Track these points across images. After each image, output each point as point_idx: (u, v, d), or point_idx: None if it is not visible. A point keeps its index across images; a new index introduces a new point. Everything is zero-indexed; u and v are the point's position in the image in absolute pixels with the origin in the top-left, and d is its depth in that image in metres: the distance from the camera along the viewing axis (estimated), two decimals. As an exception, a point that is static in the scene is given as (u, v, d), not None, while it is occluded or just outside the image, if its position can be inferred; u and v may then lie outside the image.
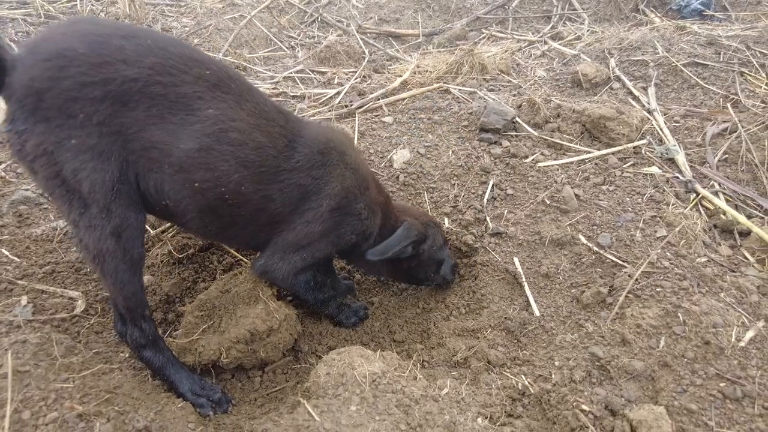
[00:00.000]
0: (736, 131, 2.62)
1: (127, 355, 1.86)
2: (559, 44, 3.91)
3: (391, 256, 2.00)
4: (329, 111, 3.07)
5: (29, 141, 1.47)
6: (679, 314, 1.76)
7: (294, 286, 1.97)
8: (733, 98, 2.90)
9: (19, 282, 1.98)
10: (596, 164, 2.56)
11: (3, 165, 2.55)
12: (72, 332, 1.86)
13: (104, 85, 1.45)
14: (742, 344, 1.66)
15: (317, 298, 2.08)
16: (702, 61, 3.21)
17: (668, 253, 2.04)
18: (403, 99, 3.11)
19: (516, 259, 2.21)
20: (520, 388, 1.71)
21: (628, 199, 2.35)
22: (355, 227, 1.95)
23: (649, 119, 2.83)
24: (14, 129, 1.46)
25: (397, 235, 2.03)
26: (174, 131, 1.54)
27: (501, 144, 2.70)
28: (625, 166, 2.55)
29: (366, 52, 3.91)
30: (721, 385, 1.57)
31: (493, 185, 2.50)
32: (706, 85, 3.04)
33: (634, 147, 2.65)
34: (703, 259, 2.03)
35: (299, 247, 1.88)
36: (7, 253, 2.06)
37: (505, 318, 2.04)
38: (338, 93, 3.25)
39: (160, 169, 1.58)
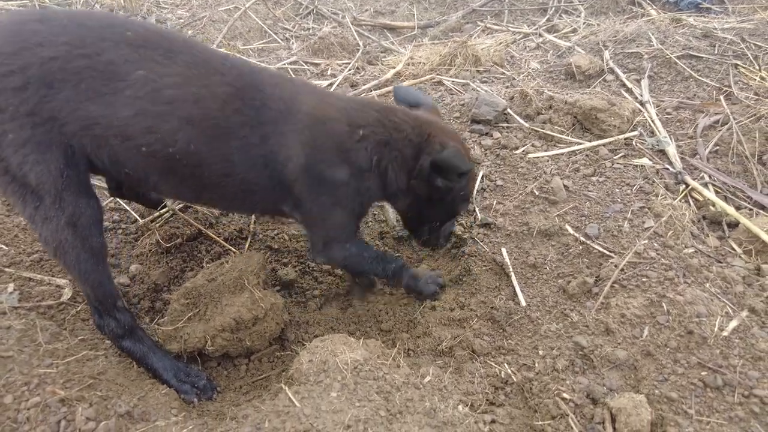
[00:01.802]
0: (727, 123, 2.62)
1: (111, 343, 1.86)
2: (554, 37, 3.89)
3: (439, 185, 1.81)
4: (321, 102, 3.07)
5: None
6: (664, 304, 1.76)
7: (347, 262, 1.92)
8: (727, 90, 2.89)
9: (6, 269, 1.98)
10: (587, 156, 2.56)
11: (-7, 154, 2.54)
12: (58, 319, 1.87)
13: (23, 71, 1.42)
14: (725, 334, 1.66)
15: (383, 269, 1.98)
16: (696, 54, 3.19)
17: (655, 244, 2.04)
18: (396, 90, 3.11)
19: (504, 250, 2.21)
20: (503, 376, 1.72)
21: (617, 190, 2.35)
22: (339, 179, 1.75)
23: (641, 111, 2.82)
24: None
25: (451, 156, 1.77)
26: (109, 102, 1.49)
27: (492, 135, 2.70)
28: (615, 157, 2.54)
29: (360, 44, 3.90)
30: (703, 373, 1.57)
31: (483, 176, 2.49)
32: (700, 78, 3.03)
33: (625, 138, 2.64)
34: (691, 250, 2.03)
35: (320, 225, 1.84)
36: (-6, 241, 2.07)
37: (492, 308, 2.04)
38: (331, 84, 3.25)
39: (108, 142, 1.54)
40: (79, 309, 1.94)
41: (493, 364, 1.78)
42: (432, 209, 1.99)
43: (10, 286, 1.88)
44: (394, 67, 3.31)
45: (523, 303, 2.02)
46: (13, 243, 2.10)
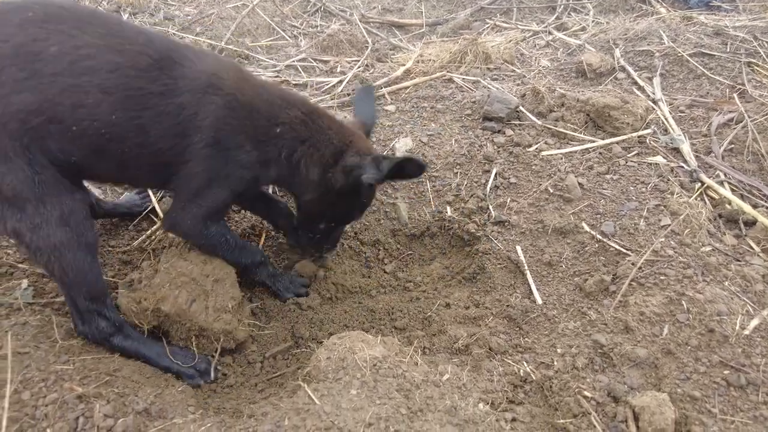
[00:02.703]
0: (742, 121, 2.60)
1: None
2: (564, 35, 3.87)
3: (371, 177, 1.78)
4: (331, 99, 3.06)
5: None
6: (683, 302, 1.75)
7: (204, 241, 1.83)
8: (740, 88, 2.87)
9: (20, 265, 1.97)
10: (600, 153, 2.54)
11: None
12: (72, 316, 1.85)
13: None
14: (746, 332, 1.64)
15: (239, 259, 1.93)
16: (708, 51, 3.17)
17: (672, 242, 2.03)
18: (406, 88, 3.09)
19: (518, 248, 2.20)
20: (521, 374, 1.70)
21: (632, 188, 2.34)
22: (243, 162, 1.74)
23: (653, 109, 2.80)
24: None
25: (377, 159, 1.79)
26: (35, 87, 1.44)
27: (504, 133, 2.68)
28: (629, 155, 2.53)
29: (369, 41, 3.88)
30: (725, 372, 1.55)
31: (496, 174, 2.48)
32: (713, 76, 3.01)
33: (638, 136, 2.63)
34: (708, 248, 2.02)
35: (193, 194, 1.74)
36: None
37: (507, 306, 2.03)
38: (340, 81, 3.23)
39: (48, 132, 1.49)
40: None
41: (510, 362, 1.77)
42: (333, 208, 1.99)
43: (25, 282, 1.87)
44: (403, 65, 3.29)
45: (539, 301, 2.01)
46: (25, 239, 2.09)
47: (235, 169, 1.76)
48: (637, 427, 1.44)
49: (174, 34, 3.89)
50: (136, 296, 1.80)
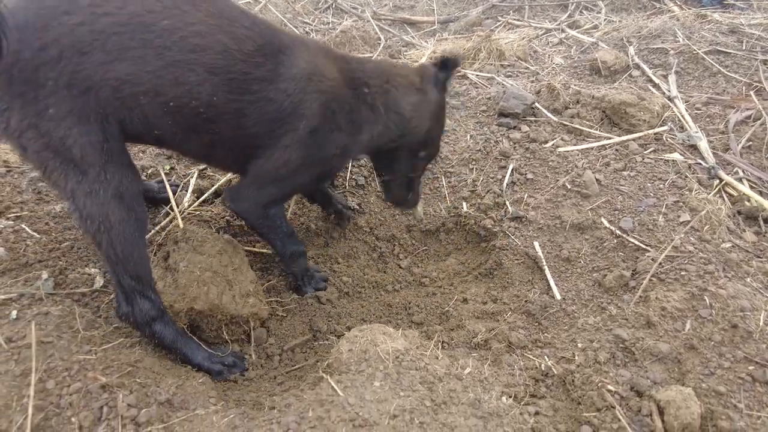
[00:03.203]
0: (760, 118, 2.58)
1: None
2: (577, 32, 3.86)
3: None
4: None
5: (12, 118, 1.44)
6: (706, 297, 1.74)
7: (261, 221, 1.87)
8: (757, 86, 2.86)
9: (39, 262, 1.97)
10: (617, 150, 2.53)
11: (21, 143, 2.54)
12: (92, 306, 1.86)
13: (56, 43, 1.41)
14: (770, 328, 1.63)
15: (285, 246, 1.98)
16: (724, 49, 3.16)
17: (692, 238, 2.02)
18: (420, 84, 3.08)
19: (536, 243, 2.19)
20: (543, 369, 1.69)
21: (649, 184, 2.32)
22: (339, 142, 1.80)
23: (670, 106, 2.79)
24: None
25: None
26: (138, 56, 1.47)
27: (520, 129, 2.67)
28: (646, 152, 2.52)
29: (381, 37, 3.88)
30: (750, 368, 1.54)
31: (512, 169, 2.47)
32: (729, 73, 3.00)
33: (654, 133, 2.62)
34: (728, 245, 2.00)
35: (276, 177, 1.78)
36: (27, 228, 2.06)
37: (526, 301, 2.02)
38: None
39: (138, 102, 1.52)
40: (112, 297, 1.93)
41: (531, 356, 1.76)
42: (417, 140, 2.00)
43: (45, 273, 1.87)
44: (417, 61, 3.29)
45: (558, 296, 2.00)
46: (44, 231, 2.09)
47: (330, 151, 1.80)
48: (663, 421, 1.43)
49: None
50: (165, 301, 1.79)
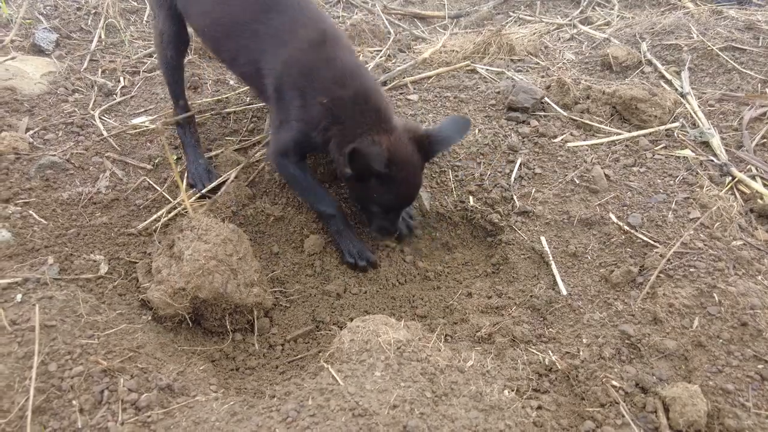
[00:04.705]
0: (775, 115, 2.53)
1: (149, 318, 1.85)
2: (589, 28, 3.82)
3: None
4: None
5: None
6: (715, 295, 1.70)
7: (279, 170, 2.12)
8: (772, 83, 2.80)
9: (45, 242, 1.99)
10: (626, 146, 2.50)
11: (31, 132, 2.56)
12: (96, 293, 1.86)
13: None
14: (780, 327, 1.60)
15: (313, 204, 2.16)
16: (739, 46, 3.10)
17: (702, 235, 1.98)
18: (429, 77, 3.07)
19: (543, 238, 2.16)
20: (546, 363, 1.67)
21: (659, 180, 2.29)
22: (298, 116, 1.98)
23: (682, 102, 2.74)
24: None
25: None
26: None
27: (529, 123, 2.64)
28: (656, 148, 2.48)
29: (391, 31, 3.86)
30: (759, 366, 1.51)
31: (520, 164, 2.44)
32: (744, 70, 2.94)
33: (666, 129, 2.57)
34: (739, 242, 1.97)
35: (279, 121, 2.05)
36: (34, 214, 2.07)
37: (531, 296, 2.00)
38: (363, 71, 3.21)
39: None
40: (116, 284, 1.94)
41: (535, 351, 1.74)
42: (362, 192, 2.06)
43: (50, 258, 1.88)
44: (426, 55, 3.26)
45: (564, 292, 1.98)
46: (51, 217, 2.11)
47: (294, 120, 2.01)
48: (668, 418, 1.41)
49: (197, 22, 3.90)
50: (168, 289, 1.79)
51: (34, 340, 1.47)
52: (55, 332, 1.54)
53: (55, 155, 2.40)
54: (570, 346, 1.73)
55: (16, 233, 1.96)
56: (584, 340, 1.73)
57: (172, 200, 2.31)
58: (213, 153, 2.56)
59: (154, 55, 3.41)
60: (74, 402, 1.40)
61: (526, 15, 4.18)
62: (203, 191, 2.31)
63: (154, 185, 2.37)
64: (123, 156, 2.49)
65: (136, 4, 4.08)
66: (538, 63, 3.29)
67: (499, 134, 2.59)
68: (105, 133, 2.60)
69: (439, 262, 2.39)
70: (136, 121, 2.71)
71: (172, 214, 2.23)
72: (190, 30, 2.41)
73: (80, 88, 3.01)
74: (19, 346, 1.45)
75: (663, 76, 3.03)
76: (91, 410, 1.40)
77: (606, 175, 2.31)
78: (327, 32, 2.02)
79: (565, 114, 2.68)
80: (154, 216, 2.22)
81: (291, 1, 2.04)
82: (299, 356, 1.89)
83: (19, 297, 1.62)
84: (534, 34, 3.62)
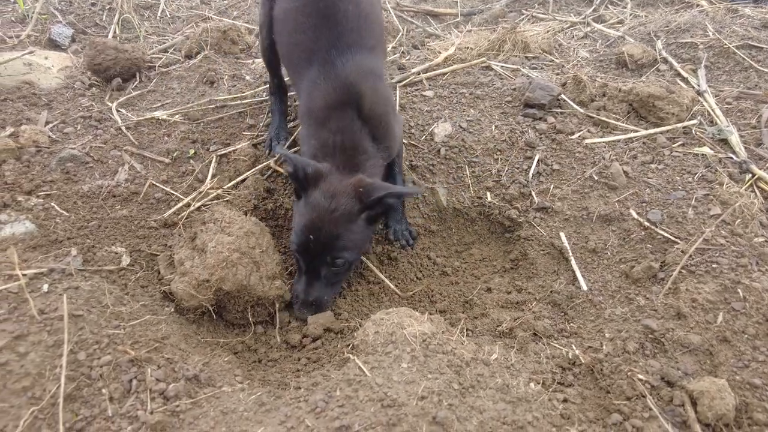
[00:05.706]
0: (793, 113, 2.52)
1: (172, 310, 1.86)
2: (603, 26, 3.81)
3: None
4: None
5: None
6: (739, 290, 1.70)
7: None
8: (790, 81, 2.79)
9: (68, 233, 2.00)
10: (644, 143, 2.50)
11: (50, 125, 2.57)
12: (119, 284, 1.87)
13: None
14: (806, 323, 1.59)
15: None
16: (756, 44, 3.10)
17: (723, 231, 1.98)
18: (444, 74, 3.07)
19: (562, 234, 2.17)
20: (570, 357, 1.67)
21: (678, 177, 2.29)
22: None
23: (699, 100, 2.74)
24: None
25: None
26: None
27: (546, 120, 2.64)
28: (674, 145, 2.47)
29: (402, 28, 3.86)
30: (785, 361, 1.51)
31: (538, 160, 2.44)
32: (761, 68, 2.93)
33: (683, 127, 2.57)
34: (761, 239, 1.96)
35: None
36: (56, 206, 2.09)
37: (551, 291, 2.00)
38: (378, 67, 3.21)
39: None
40: (138, 276, 1.95)
41: (557, 345, 1.74)
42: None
43: (74, 250, 1.89)
44: (441, 52, 3.27)
45: (585, 287, 1.98)
46: (73, 209, 2.12)
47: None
48: (696, 411, 1.41)
49: (211, 18, 3.91)
50: (192, 280, 1.80)
51: (63, 329, 1.48)
52: (83, 322, 1.55)
53: (74, 148, 2.41)
54: (592, 340, 1.73)
55: (39, 224, 1.97)
56: (607, 335, 1.73)
57: (189, 194, 2.32)
58: (231, 148, 2.56)
59: (169, 51, 3.42)
60: (104, 390, 1.41)
61: (539, 13, 4.18)
62: (274, 151, 2.51)
63: (171, 180, 2.38)
64: (141, 149, 2.50)
65: None
66: (553, 60, 3.29)
67: (516, 130, 2.59)
68: (122, 125, 2.60)
69: (456, 257, 2.40)
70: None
71: (198, 204, 2.23)
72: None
73: (97, 83, 3.02)
74: (49, 335, 1.46)
75: (679, 74, 3.02)
76: (120, 399, 1.41)
77: (624, 171, 2.31)
78: (350, 94, 1.96)
79: (581, 111, 2.68)
80: (183, 203, 2.24)
81: (349, 40, 2.02)
82: (320, 348, 1.89)
83: (45, 287, 1.63)
84: (548, 31, 3.62)
